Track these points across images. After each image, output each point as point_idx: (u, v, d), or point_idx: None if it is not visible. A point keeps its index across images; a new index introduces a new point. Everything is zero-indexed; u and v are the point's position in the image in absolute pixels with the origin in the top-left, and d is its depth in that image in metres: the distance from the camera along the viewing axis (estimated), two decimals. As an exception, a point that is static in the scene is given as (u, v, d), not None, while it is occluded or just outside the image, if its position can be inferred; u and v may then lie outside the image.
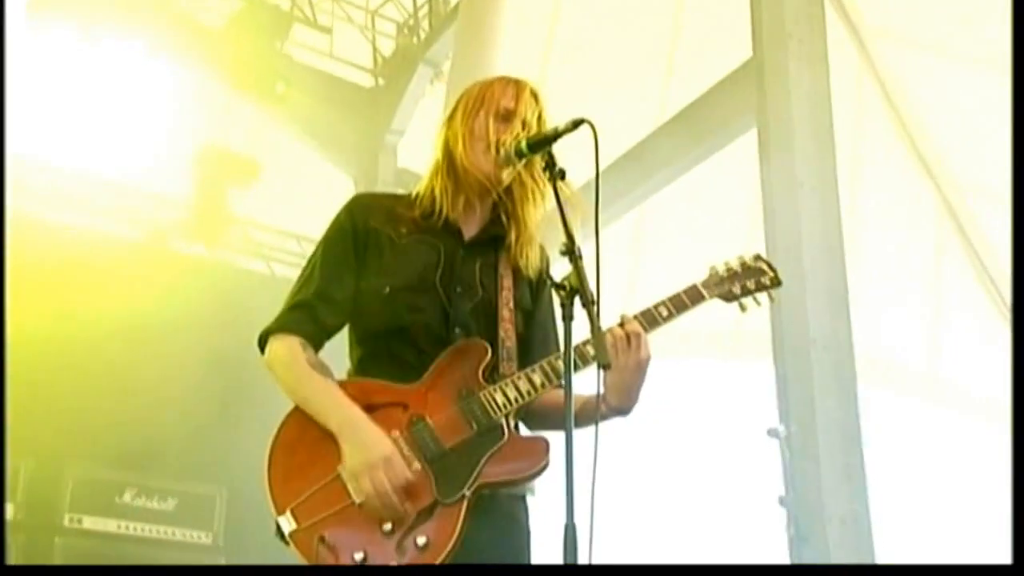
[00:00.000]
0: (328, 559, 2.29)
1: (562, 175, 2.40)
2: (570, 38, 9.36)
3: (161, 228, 8.45)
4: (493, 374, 2.54)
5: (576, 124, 2.38)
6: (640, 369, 2.51)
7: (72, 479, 6.30)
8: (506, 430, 2.46)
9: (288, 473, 2.40)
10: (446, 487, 2.38)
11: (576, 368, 2.40)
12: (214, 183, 8.46)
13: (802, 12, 6.82)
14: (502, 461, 2.42)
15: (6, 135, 5.40)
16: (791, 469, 5.63)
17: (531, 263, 2.69)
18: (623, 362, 2.48)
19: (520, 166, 2.60)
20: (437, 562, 2.30)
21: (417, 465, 2.39)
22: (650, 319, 2.58)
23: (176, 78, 8.14)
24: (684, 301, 2.64)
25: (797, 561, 5.77)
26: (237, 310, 7.44)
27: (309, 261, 2.73)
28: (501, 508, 2.52)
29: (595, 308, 2.23)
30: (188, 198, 8.46)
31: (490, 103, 2.65)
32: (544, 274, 2.75)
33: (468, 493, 2.38)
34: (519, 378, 2.50)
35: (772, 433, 5.70)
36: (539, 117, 2.66)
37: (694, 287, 2.67)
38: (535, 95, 2.69)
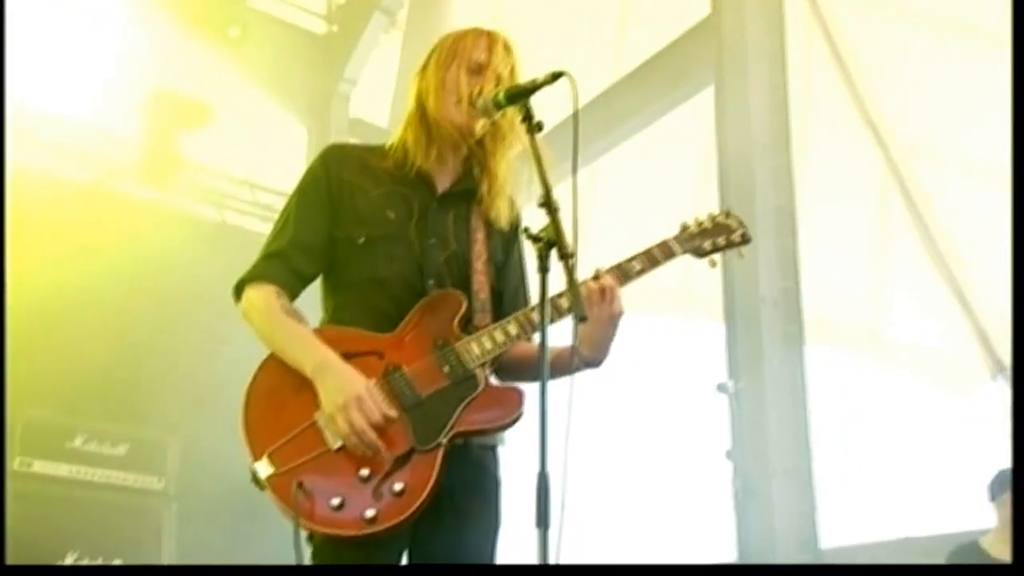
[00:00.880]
0: (305, 504, 2.31)
1: (539, 128, 2.40)
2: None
3: (109, 169, 8.29)
4: (467, 325, 2.57)
5: (555, 77, 2.39)
6: (613, 322, 2.55)
7: (22, 423, 6.23)
8: (481, 380, 2.49)
9: (265, 419, 2.40)
10: (422, 435, 2.40)
11: (551, 320, 2.41)
12: (164, 126, 8.29)
13: (759, -29, 6.87)
14: (477, 410, 2.45)
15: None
16: (738, 424, 5.73)
17: (502, 215, 2.71)
18: (596, 315, 2.52)
19: (496, 117, 2.60)
20: (413, 508, 2.33)
21: (394, 413, 2.41)
22: (623, 273, 2.61)
23: (127, 16, 7.96)
24: (656, 256, 2.67)
25: (742, 512, 5.91)
26: (188, 256, 7.38)
27: (284, 211, 2.72)
28: (472, 457, 2.55)
29: (573, 261, 2.25)
30: (138, 140, 8.30)
31: (462, 56, 2.65)
32: (515, 227, 2.77)
33: (444, 441, 2.41)
34: (495, 329, 2.53)
35: (721, 388, 5.79)
36: (512, 70, 2.66)
37: (665, 242, 2.71)
38: (508, 48, 2.69)
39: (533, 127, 2.40)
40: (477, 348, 2.50)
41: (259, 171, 9.00)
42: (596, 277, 2.57)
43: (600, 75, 8.45)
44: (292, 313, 2.55)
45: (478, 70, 2.63)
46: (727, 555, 6.22)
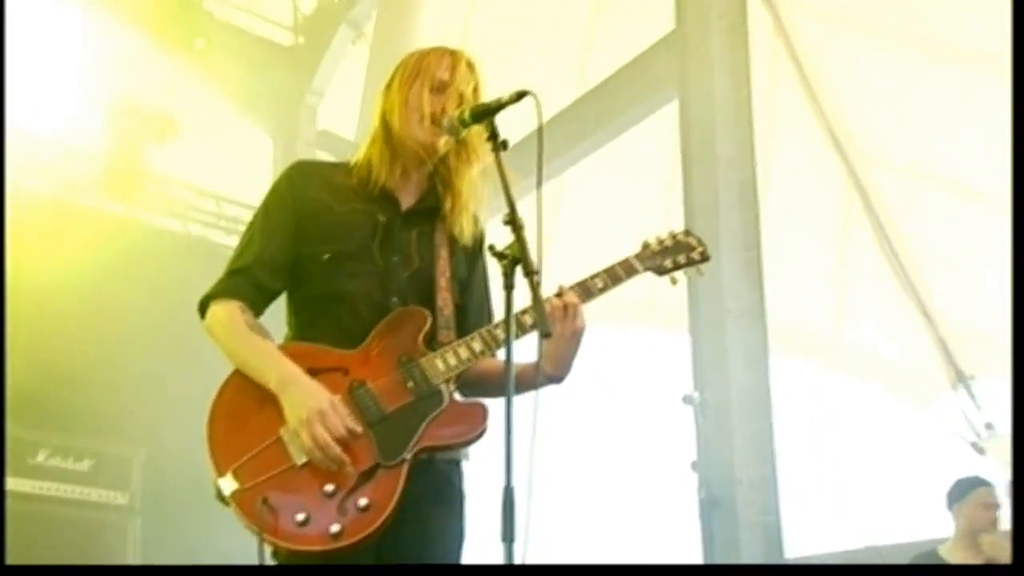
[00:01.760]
0: (270, 520, 2.31)
1: (504, 146, 2.43)
2: (492, 5, 9.35)
3: (73, 183, 8.24)
4: (432, 342, 2.59)
5: (520, 95, 2.42)
6: (576, 338, 2.60)
7: (-18, 439, 6.17)
8: (446, 396, 2.51)
9: (229, 435, 2.41)
10: (387, 450, 2.42)
11: (515, 336, 2.43)
12: (129, 139, 8.28)
13: (723, -14, 6.95)
14: (442, 426, 2.48)
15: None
16: (703, 434, 5.77)
17: (466, 232, 2.74)
18: (559, 331, 2.56)
19: (462, 135, 2.63)
20: (378, 523, 2.34)
21: (359, 428, 2.43)
22: (586, 290, 2.66)
23: (90, 29, 7.92)
24: (619, 273, 2.72)
25: (707, 522, 5.95)
26: (153, 269, 7.35)
27: (249, 227, 2.74)
28: (437, 472, 2.57)
29: (537, 278, 2.28)
30: (102, 154, 8.26)
31: (426, 74, 2.68)
32: (479, 243, 2.81)
33: (409, 456, 2.43)
34: (459, 345, 2.56)
35: (686, 400, 5.83)
36: (475, 88, 2.70)
37: (627, 260, 2.76)
38: (471, 66, 2.72)
39: (499, 145, 2.42)
40: (442, 364, 2.53)
41: (225, 183, 8.98)
42: (559, 294, 2.61)
43: (566, 89, 8.49)
44: (256, 328, 2.56)
45: (441, 88, 2.66)
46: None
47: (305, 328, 2.65)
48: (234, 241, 2.75)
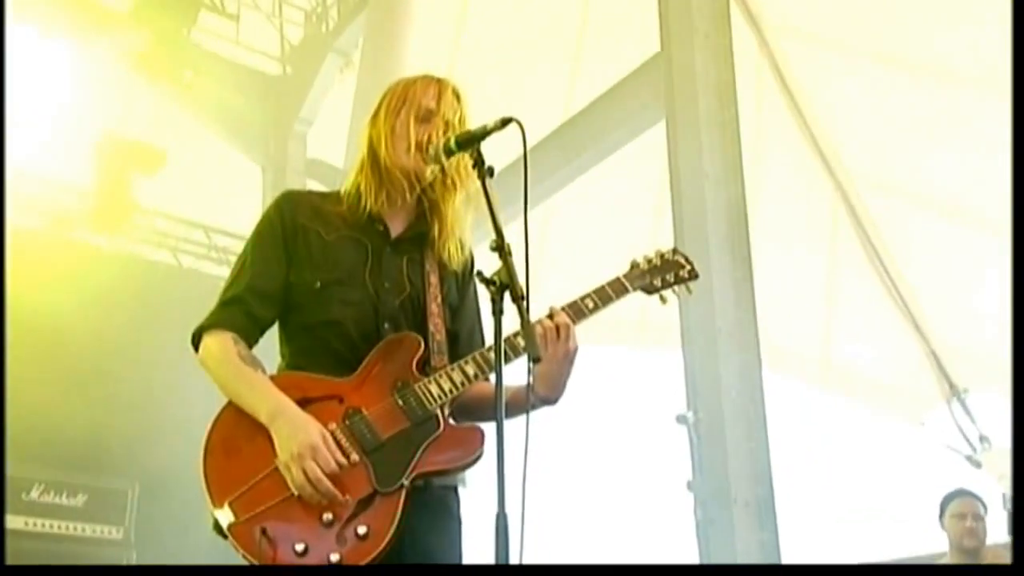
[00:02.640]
0: (268, 551, 2.31)
1: (490, 172, 2.45)
2: (479, 30, 9.39)
3: (61, 217, 8.23)
4: (425, 367, 2.60)
5: (505, 123, 2.43)
6: (568, 359, 2.60)
7: (-26, 477, 6.14)
8: (441, 420, 2.52)
9: (225, 467, 2.41)
10: (385, 477, 2.43)
11: (507, 360, 2.45)
12: (117, 171, 8.26)
13: (708, 8, 6.98)
14: (439, 451, 2.49)
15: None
16: (698, 454, 5.76)
17: (454, 258, 2.76)
18: (552, 353, 2.57)
19: (445, 163, 2.64)
20: (377, 551, 2.35)
21: (355, 456, 2.43)
22: (577, 311, 2.67)
23: (76, 62, 7.93)
24: (609, 293, 2.73)
25: (704, 543, 5.93)
26: (144, 302, 7.34)
27: (240, 257, 2.75)
28: (435, 498, 2.57)
29: (525, 303, 2.29)
30: (90, 186, 8.25)
31: (412, 103, 2.71)
32: (468, 269, 2.82)
33: (406, 482, 2.43)
34: (453, 370, 2.57)
35: (680, 419, 5.83)
36: (460, 117, 2.72)
37: (617, 280, 2.77)
38: (457, 95, 2.75)
39: (484, 172, 2.44)
40: (436, 389, 2.54)
41: (215, 214, 8.98)
42: (551, 315, 2.62)
43: (552, 113, 8.53)
44: (249, 360, 2.56)
45: (427, 117, 2.68)
46: (691, 586, 6.24)
47: (298, 356, 2.66)
48: (225, 272, 2.76)
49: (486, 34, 9.32)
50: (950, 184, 7.79)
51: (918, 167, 7.90)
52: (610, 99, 8.02)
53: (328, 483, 2.36)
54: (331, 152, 9.40)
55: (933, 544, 5.86)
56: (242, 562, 2.34)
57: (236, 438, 2.45)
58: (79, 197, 8.27)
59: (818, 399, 9.22)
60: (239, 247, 2.80)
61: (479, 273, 2.36)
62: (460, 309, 2.80)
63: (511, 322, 2.35)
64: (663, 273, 2.84)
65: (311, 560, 2.33)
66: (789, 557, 6.08)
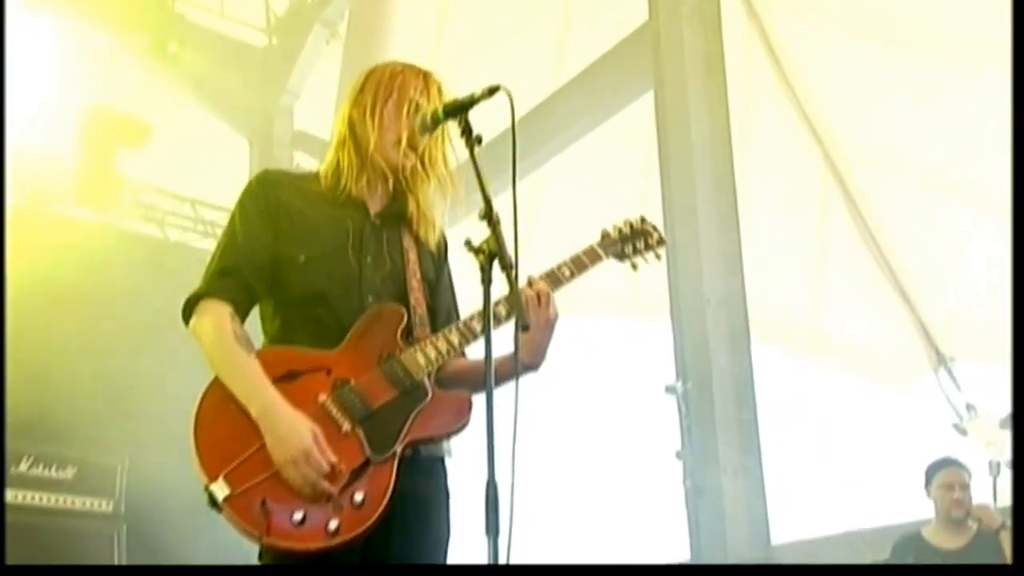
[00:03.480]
0: (266, 522, 2.32)
1: (479, 140, 2.45)
2: (466, 1, 9.34)
3: (46, 191, 8.16)
4: (408, 338, 2.62)
5: (492, 91, 2.42)
6: (550, 326, 2.65)
7: (-36, 450, 6.12)
8: (429, 388, 2.55)
9: (216, 440, 2.40)
10: (377, 444, 2.46)
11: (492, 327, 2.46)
12: (102, 144, 8.21)
13: (695, -23, 6.96)
14: (429, 417, 2.52)
15: None
16: (687, 424, 5.79)
17: (430, 237, 2.81)
18: (535, 320, 2.61)
19: (435, 132, 2.66)
20: (374, 516, 2.38)
21: (347, 426, 2.46)
22: (554, 279, 2.73)
23: (61, 35, 7.86)
24: (583, 261, 2.82)
25: (693, 512, 5.98)
26: (131, 276, 7.31)
27: (228, 229, 2.73)
28: (422, 469, 2.59)
29: (514, 272, 2.30)
30: (74, 160, 8.19)
31: (401, 95, 2.72)
32: (442, 250, 2.88)
33: (399, 449, 2.46)
34: (437, 339, 2.60)
35: (669, 389, 5.86)
36: None
37: (591, 248, 2.87)
38: (441, 91, 2.77)
39: (473, 140, 2.44)
40: (422, 358, 2.56)
41: (201, 187, 8.94)
42: (530, 284, 2.66)
43: (541, 83, 8.50)
44: (242, 340, 2.54)
45: (415, 112, 2.69)
46: (680, 554, 6.29)
47: (284, 330, 2.66)
48: (212, 244, 2.74)
49: (474, 4, 9.27)
50: (938, 155, 7.80)
51: (906, 137, 7.90)
52: (598, 69, 8.01)
53: (325, 483, 2.37)
54: (318, 125, 9.36)
55: (919, 511, 5.91)
56: (239, 551, 2.34)
57: (226, 411, 2.44)
58: (64, 171, 8.20)
59: (806, 368, 9.25)
60: (226, 220, 2.79)
61: (467, 241, 2.35)
62: (437, 286, 2.84)
63: (495, 293, 2.35)
64: (633, 240, 2.95)
65: (310, 528, 2.34)
66: (777, 525, 6.13)
